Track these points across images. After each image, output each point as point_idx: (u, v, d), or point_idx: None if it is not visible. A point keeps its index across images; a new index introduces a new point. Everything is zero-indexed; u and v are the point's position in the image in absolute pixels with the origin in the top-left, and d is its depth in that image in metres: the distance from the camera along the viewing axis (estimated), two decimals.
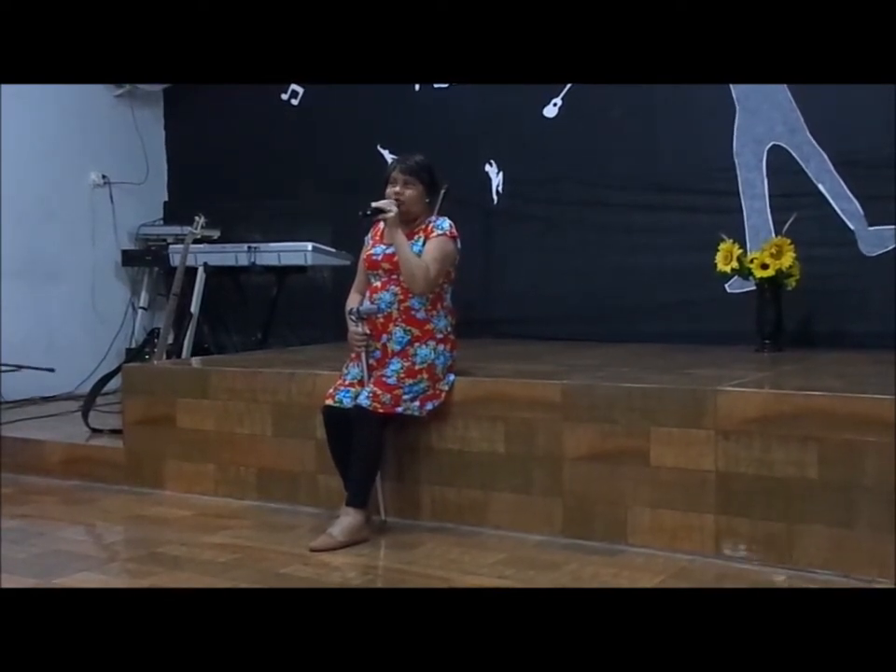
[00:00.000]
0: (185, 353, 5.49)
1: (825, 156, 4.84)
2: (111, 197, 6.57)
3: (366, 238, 3.93)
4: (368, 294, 3.83)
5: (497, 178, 5.72)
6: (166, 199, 6.93)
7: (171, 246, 6.15)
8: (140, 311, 6.70)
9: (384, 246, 3.80)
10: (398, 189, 3.74)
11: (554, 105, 5.49)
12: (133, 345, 6.47)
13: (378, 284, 3.79)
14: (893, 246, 4.71)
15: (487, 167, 5.73)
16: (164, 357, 5.31)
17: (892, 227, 4.69)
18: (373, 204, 3.71)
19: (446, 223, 3.79)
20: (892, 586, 3.06)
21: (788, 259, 4.52)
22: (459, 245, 3.83)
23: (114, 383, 5.18)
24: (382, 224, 3.81)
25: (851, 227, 4.80)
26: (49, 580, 3.28)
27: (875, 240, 4.76)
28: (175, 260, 5.73)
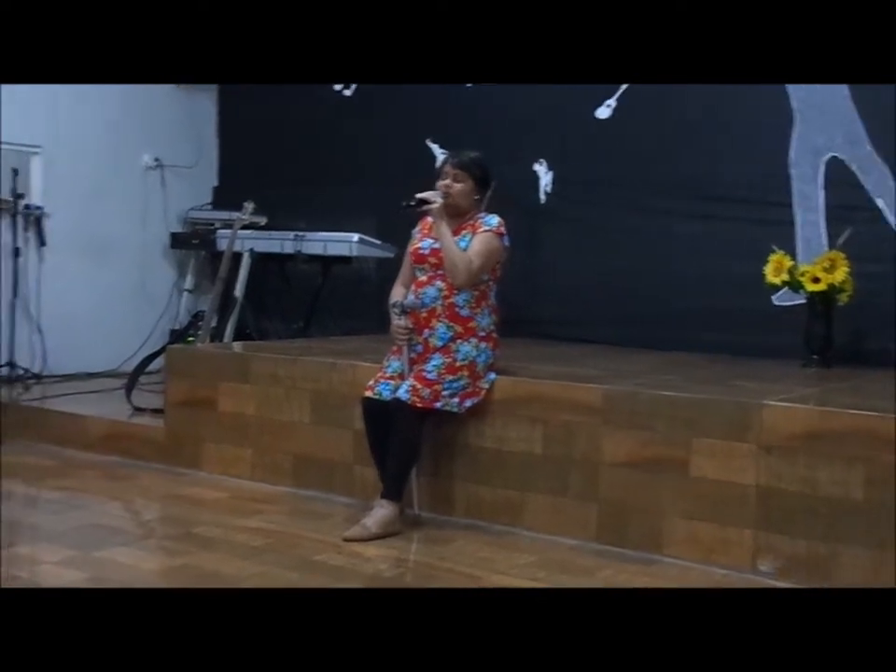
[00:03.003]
0: (228, 337, 5.52)
1: (887, 170, 4.75)
2: (162, 180, 6.63)
3: (413, 231, 3.92)
4: (413, 288, 3.82)
5: (546, 178, 5.69)
6: (216, 184, 6.98)
7: (219, 231, 6.19)
8: (185, 293, 6.76)
9: (431, 240, 3.78)
10: (447, 181, 3.73)
11: (608, 106, 5.45)
12: (178, 327, 6.52)
13: (424, 278, 3.78)
14: None
15: (536, 166, 5.70)
16: (208, 340, 5.34)
17: None
18: (418, 195, 3.71)
19: (495, 219, 3.77)
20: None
21: (841, 274, 4.44)
22: (507, 243, 3.81)
23: (157, 363, 5.24)
24: (430, 218, 3.81)
25: None
26: (88, 552, 3.33)
27: None
28: (223, 245, 5.76)
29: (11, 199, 5.74)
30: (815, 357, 4.54)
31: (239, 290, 5.69)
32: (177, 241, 6.67)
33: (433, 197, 3.68)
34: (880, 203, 4.76)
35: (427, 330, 3.75)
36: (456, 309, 3.73)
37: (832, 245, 4.69)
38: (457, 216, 3.75)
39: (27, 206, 5.98)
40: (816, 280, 4.47)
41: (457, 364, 3.71)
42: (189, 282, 6.77)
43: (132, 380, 5.18)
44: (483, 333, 3.77)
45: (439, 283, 3.74)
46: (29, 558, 3.37)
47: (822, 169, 4.93)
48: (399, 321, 3.76)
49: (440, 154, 5.79)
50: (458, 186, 3.73)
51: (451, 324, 3.73)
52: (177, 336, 6.16)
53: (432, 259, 3.75)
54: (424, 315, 3.75)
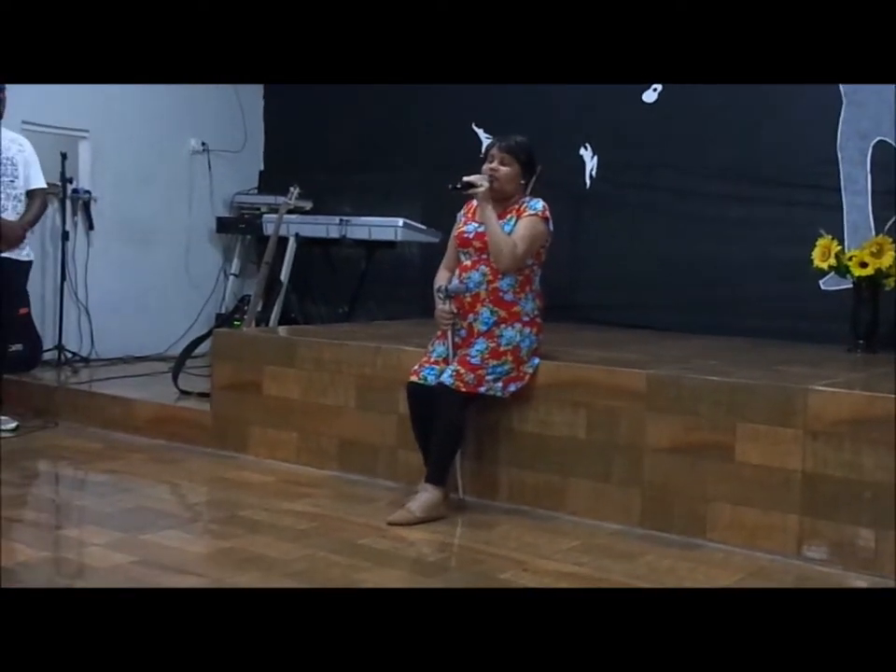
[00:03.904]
0: (273, 321, 5.58)
1: None
2: (209, 164, 6.69)
3: (458, 215, 3.93)
4: (457, 272, 3.84)
5: (591, 162, 5.67)
6: (262, 168, 7.03)
7: (264, 215, 6.25)
8: (231, 277, 6.83)
9: (476, 224, 3.79)
10: (493, 165, 3.73)
11: (654, 89, 5.41)
12: (224, 311, 6.60)
13: (468, 262, 3.80)
14: None
15: (582, 150, 5.68)
16: (253, 324, 5.40)
17: None
18: (465, 178, 3.71)
19: (539, 204, 3.77)
20: None
21: (888, 259, 4.40)
22: (552, 228, 3.81)
23: (203, 347, 5.30)
24: (475, 202, 3.81)
25: None
26: (136, 535, 3.38)
27: None
28: (268, 229, 5.81)
29: (60, 183, 5.82)
30: (861, 342, 4.50)
31: (284, 275, 5.74)
32: (223, 225, 6.74)
33: (479, 180, 3.69)
34: None
35: (471, 315, 3.76)
36: (501, 293, 3.74)
37: (879, 230, 4.64)
38: (502, 200, 3.76)
39: (75, 190, 6.05)
40: (863, 265, 4.43)
41: (501, 349, 3.72)
42: (234, 266, 6.84)
43: (178, 363, 5.24)
44: (527, 318, 3.78)
45: (483, 267, 3.75)
46: (77, 540, 3.45)
47: (870, 153, 4.87)
48: (443, 306, 3.77)
49: (485, 138, 5.79)
50: (504, 169, 3.73)
51: (495, 308, 3.74)
52: (223, 320, 6.24)
53: (477, 244, 3.76)
54: (468, 299, 3.76)
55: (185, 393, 5.03)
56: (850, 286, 4.58)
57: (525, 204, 3.77)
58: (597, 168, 5.63)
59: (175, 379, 5.12)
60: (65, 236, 5.92)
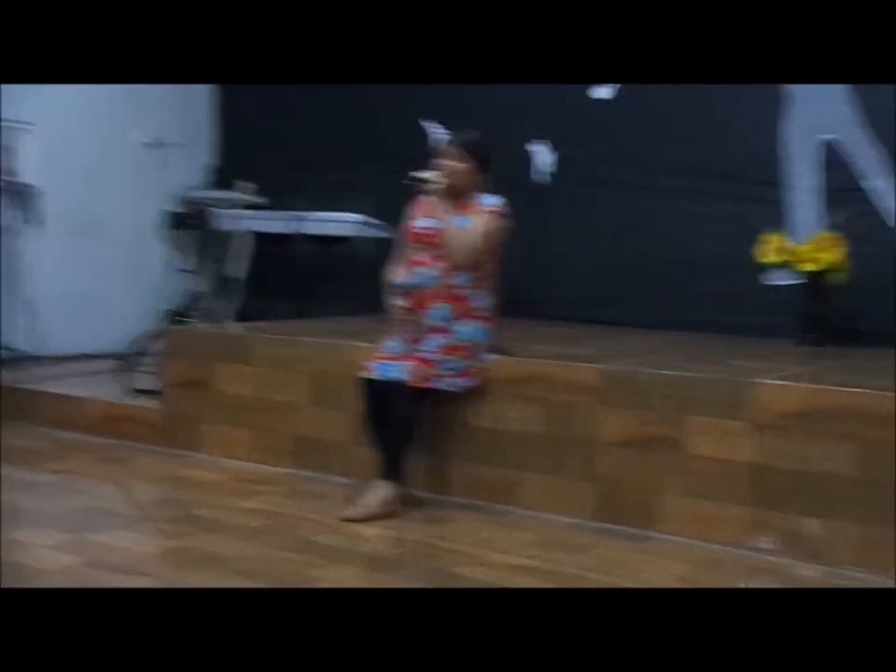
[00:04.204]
0: (226, 318, 5.53)
1: (879, 151, 4.77)
2: (159, 158, 6.59)
3: (412, 211, 3.93)
4: (412, 268, 3.83)
5: (547, 158, 5.69)
6: (214, 163, 6.96)
7: (217, 211, 6.17)
8: (183, 273, 6.73)
9: (430, 220, 3.79)
10: (448, 161, 3.73)
11: (610, 87, 5.44)
12: (175, 308, 6.52)
13: (423, 258, 3.79)
14: None
15: (537, 146, 5.70)
16: (206, 321, 5.35)
17: None
18: (419, 175, 3.71)
19: (496, 200, 3.78)
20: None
21: (834, 255, 4.47)
22: (508, 224, 3.81)
23: (154, 344, 5.23)
24: (429, 198, 3.81)
25: None
26: (85, 536, 3.34)
27: None
28: (221, 225, 5.76)
29: (4, 177, 5.69)
30: (808, 336, 4.58)
31: (238, 271, 5.69)
32: (175, 220, 6.66)
33: (434, 177, 3.69)
34: (874, 184, 4.78)
35: (425, 311, 3.76)
36: (455, 289, 3.74)
37: (827, 226, 4.71)
38: (458, 196, 3.76)
39: (20, 184, 5.93)
40: (811, 260, 4.49)
41: (456, 344, 3.73)
42: (187, 262, 6.76)
43: (128, 361, 5.17)
44: (481, 314, 3.79)
45: (438, 263, 3.75)
46: (25, 542, 3.37)
47: (818, 150, 4.95)
48: (397, 301, 3.77)
49: (440, 135, 5.79)
50: (459, 166, 3.73)
51: (450, 304, 3.74)
52: (175, 317, 6.16)
53: (431, 240, 3.76)
54: (423, 295, 3.76)
55: (135, 391, 4.96)
56: (799, 281, 4.64)
57: (480, 200, 3.77)
58: (553, 164, 5.65)
59: (124, 377, 5.05)
60: (9, 231, 5.76)
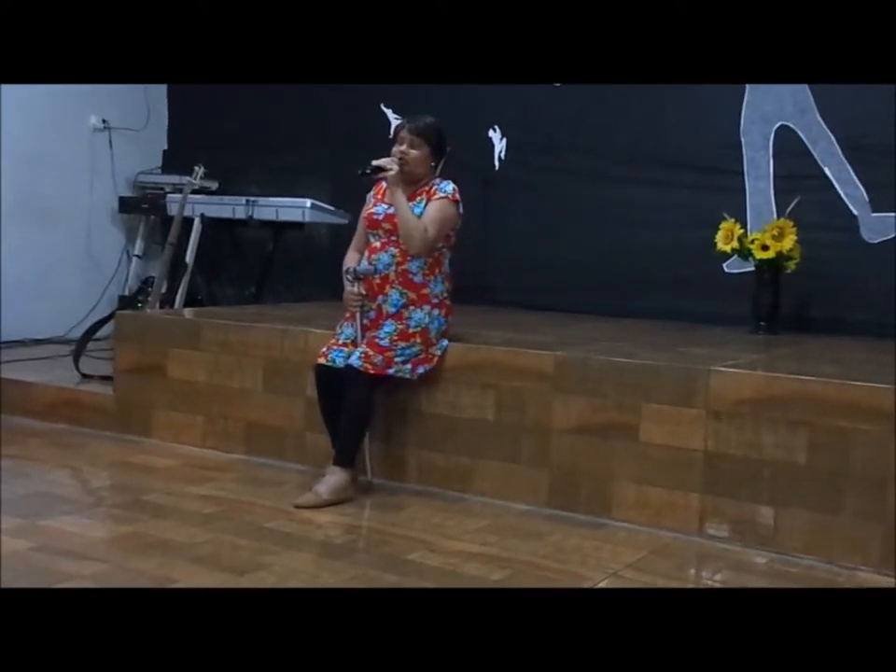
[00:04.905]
0: (178, 303, 5.46)
1: (833, 139, 4.81)
2: (110, 142, 6.50)
3: (368, 196, 3.90)
4: (366, 254, 3.81)
5: (500, 144, 5.67)
6: (166, 147, 6.86)
7: (168, 195, 6.09)
8: (135, 258, 6.65)
9: (385, 206, 3.76)
10: (403, 148, 3.70)
11: None
12: (127, 293, 6.44)
13: (377, 244, 3.77)
14: (895, 234, 4.69)
15: (491, 132, 5.68)
16: (157, 306, 5.29)
17: (895, 215, 4.68)
18: (374, 162, 3.68)
19: (449, 186, 3.76)
20: (874, 573, 3.07)
21: (789, 242, 4.50)
22: (461, 210, 3.80)
23: (106, 329, 5.16)
24: (384, 183, 3.78)
25: (855, 213, 4.78)
26: (35, 521, 3.29)
27: (877, 227, 4.74)
28: (173, 210, 5.68)
29: None
30: (762, 323, 4.61)
31: (189, 256, 5.62)
32: (126, 205, 6.56)
33: (389, 164, 3.66)
34: (828, 171, 4.82)
35: (379, 297, 3.73)
36: (410, 276, 3.72)
37: (780, 214, 4.75)
38: (413, 182, 3.73)
39: None
40: (765, 248, 4.52)
41: (410, 331, 3.71)
42: (138, 247, 6.66)
43: (79, 346, 5.10)
44: (436, 300, 3.77)
45: (392, 249, 3.72)
46: None
47: (772, 138, 4.98)
48: (351, 287, 3.74)
49: (394, 119, 5.75)
50: (415, 153, 3.70)
51: (404, 290, 3.72)
52: (126, 302, 6.09)
53: (386, 225, 3.74)
54: (377, 281, 3.73)
55: (86, 376, 4.90)
56: (752, 268, 4.67)
57: (435, 187, 3.75)
58: (506, 150, 5.64)
59: (76, 362, 4.98)
60: None
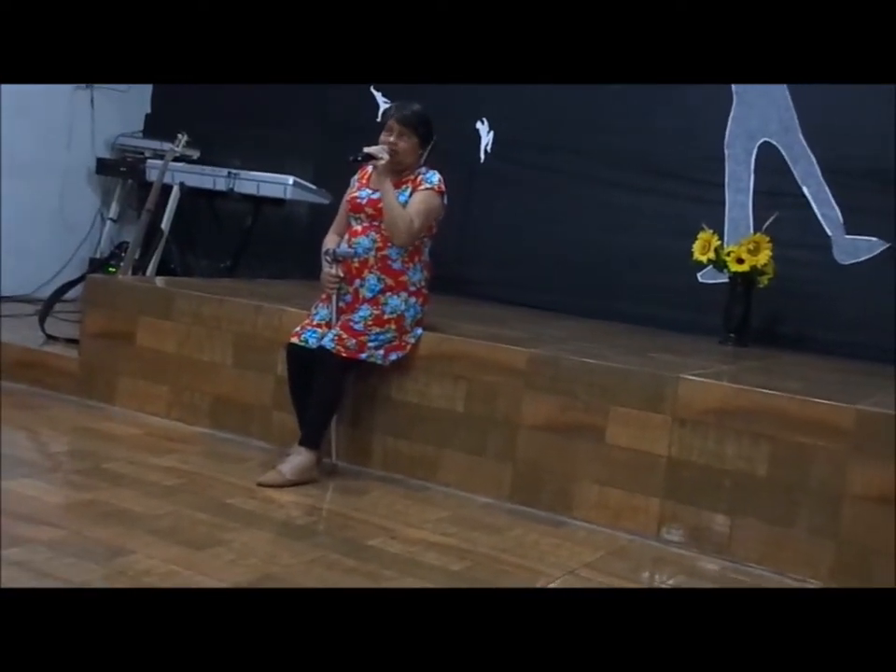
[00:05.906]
0: (151, 271, 5.41)
1: (814, 159, 4.86)
2: (92, 101, 6.41)
3: (352, 180, 3.89)
4: (346, 237, 3.80)
5: (486, 137, 5.67)
6: (149, 111, 6.78)
7: (148, 161, 6.04)
8: (109, 222, 6.58)
9: (369, 191, 3.76)
10: (392, 139, 3.70)
11: None
12: (99, 256, 6.37)
13: (358, 228, 3.76)
14: (866, 257, 4.76)
15: (478, 124, 5.68)
16: (130, 272, 5.24)
17: (867, 238, 4.75)
18: (365, 150, 3.68)
19: (435, 177, 3.76)
20: (822, 587, 3.13)
21: (764, 257, 4.55)
22: (445, 201, 3.80)
23: (75, 291, 5.10)
24: (370, 168, 3.78)
25: (829, 233, 4.85)
26: None
27: (849, 249, 4.81)
28: (152, 175, 5.63)
29: None
30: (732, 335, 4.66)
31: (166, 224, 5.57)
32: (104, 167, 6.48)
33: (380, 153, 3.65)
34: (806, 190, 4.88)
35: (357, 280, 3.73)
36: (389, 262, 3.72)
37: (758, 228, 4.80)
38: (399, 171, 3.73)
39: None
40: (740, 261, 4.57)
41: (385, 317, 3.71)
42: (113, 210, 6.59)
43: (46, 307, 5.02)
44: (413, 288, 3.77)
45: (373, 234, 3.72)
46: None
47: (755, 153, 5.03)
48: (329, 269, 3.73)
49: (382, 103, 5.73)
50: (403, 143, 3.70)
51: (382, 276, 3.72)
52: (98, 265, 6.02)
53: (369, 210, 3.73)
54: (356, 264, 3.73)
55: (51, 338, 4.83)
56: (726, 280, 4.72)
57: (420, 176, 3.75)
58: (493, 144, 5.64)
59: (41, 322, 4.91)
60: None
